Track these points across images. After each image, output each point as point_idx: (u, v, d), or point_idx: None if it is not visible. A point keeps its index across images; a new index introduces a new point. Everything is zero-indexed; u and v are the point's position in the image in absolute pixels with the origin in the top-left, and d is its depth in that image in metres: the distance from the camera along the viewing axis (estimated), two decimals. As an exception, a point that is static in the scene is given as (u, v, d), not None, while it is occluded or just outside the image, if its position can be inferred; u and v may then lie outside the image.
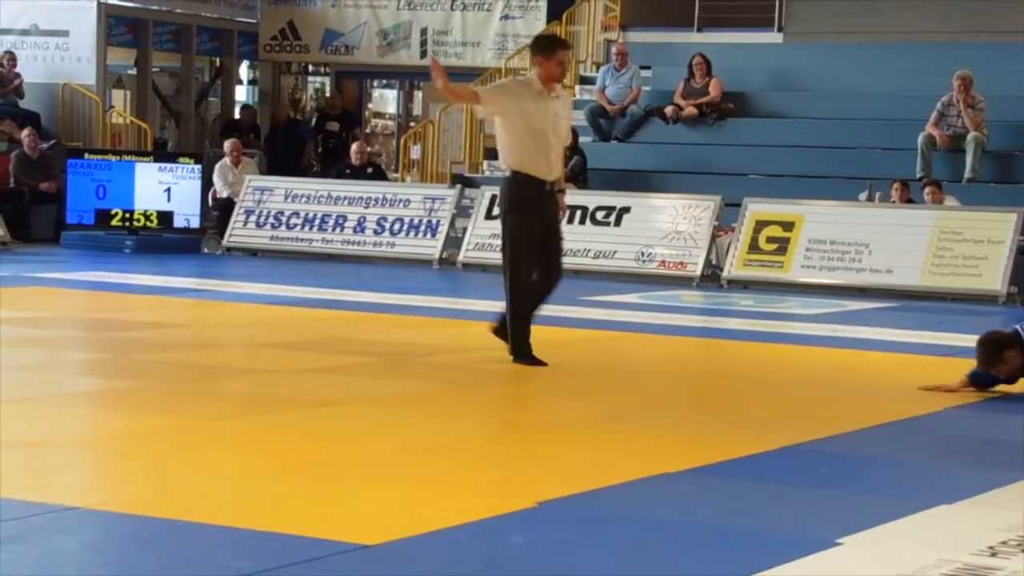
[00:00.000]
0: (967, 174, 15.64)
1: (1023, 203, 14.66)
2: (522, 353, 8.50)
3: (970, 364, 7.97)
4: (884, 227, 14.45)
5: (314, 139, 21.52)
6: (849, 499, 5.38)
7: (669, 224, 15.35)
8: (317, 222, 17.07)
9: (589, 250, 15.60)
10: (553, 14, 20.52)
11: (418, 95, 24.31)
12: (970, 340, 10.31)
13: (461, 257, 16.23)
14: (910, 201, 15.03)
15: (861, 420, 7.04)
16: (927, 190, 14.86)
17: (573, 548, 4.62)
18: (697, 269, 14.98)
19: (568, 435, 6.63)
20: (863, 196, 15.46)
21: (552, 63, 8.56)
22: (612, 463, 5.94)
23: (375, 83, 24.30)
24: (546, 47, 8.68)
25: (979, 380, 7.88)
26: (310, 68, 23.75)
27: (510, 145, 8.57)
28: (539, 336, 8.61)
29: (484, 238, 16.25)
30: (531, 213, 8.49)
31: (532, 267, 8.55)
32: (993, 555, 4.52)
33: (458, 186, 17.34)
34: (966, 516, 5.08)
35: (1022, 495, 5.43)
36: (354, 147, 18.59)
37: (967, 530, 4.84)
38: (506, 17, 21.08)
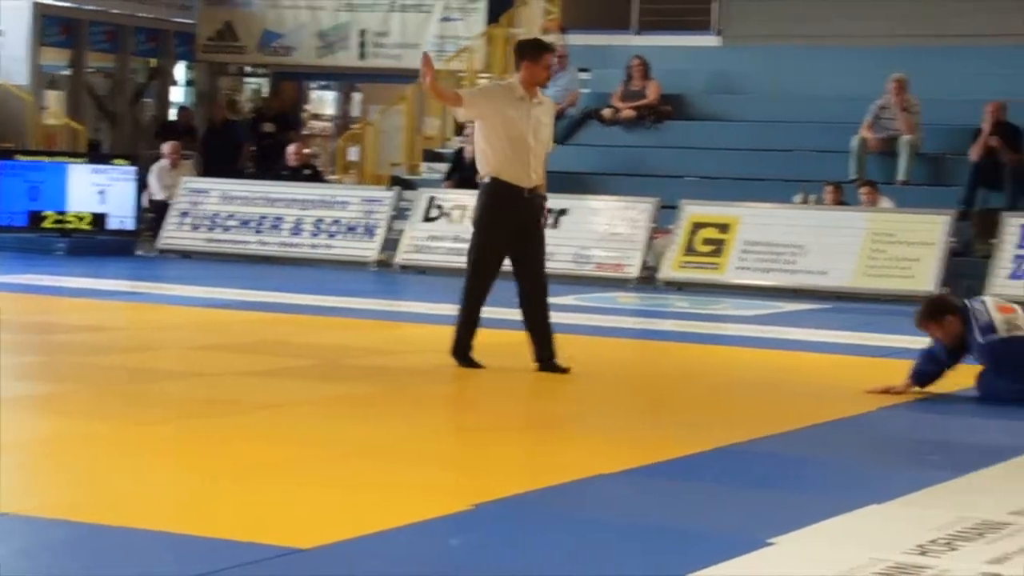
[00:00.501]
0: (900, 177, 15.78)
1: (955, 205, 14.83)
2: (461, 355, 8.49)
3: (906, 365, 8.04)
4: (818, 229, 14.57)
5: (250, 141, 21.42)
6: (782, 499, 5.42)
7: (606, 226, 15.40)
8: (253, 224, 16.99)
9: (527, 252, 15.59)
10: (493, 16, 20.52)
11: (356, 96, 24.26)
12: (902, 341, 10.43)
13: (398, 259, 16.21)
14: (843, 203, 15.15)
15: (795, 421, 7.09)
16: (863, 190, 14.99)
17: (510, 550, 4.62)
18: (634, 271, 15.04)
19: (506, 437, 6.64)
20: (797, 198, 15.58)
21: (539, 67, 8.43)
22: (550, 464, 5.95)
23: (314, 84, 24.22)
24: (533, 50, 8.53)
25: (921, 377, 7.94)
26: (248, 69, 23.63)
27: (489, 150, 8.44)
28: (480, 340, 8.59)
29: (422, 240, 16.25)
30: (503, 221, 8.40)
31: (493, 275, 8.49)
32: (923, 554, 4.57)
33: (396, 188, 17.33)
34: (897, 515, 5.12)
35: (953, 494, 5.49)
36: (291, 149, 18.51)
37: (898, 529, 4.89)
38: (446, 19, 21.06)
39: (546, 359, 8.43)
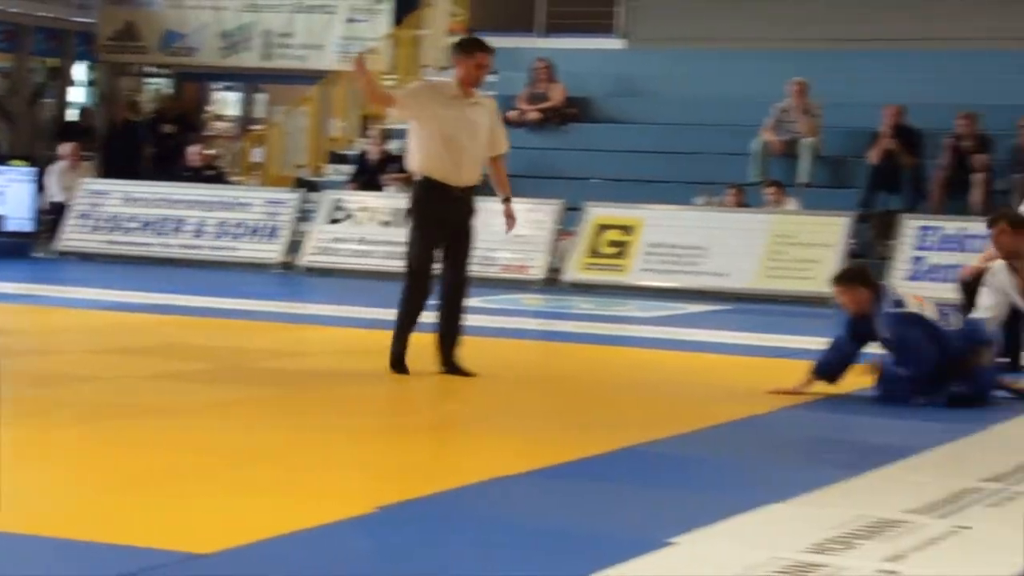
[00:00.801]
0: (801, 179, 15.97)
1: (854, 207, 15.03)
2: (395, 363, 8.41)
3: (805, 365, 8.13)
4: (721, 231, 14.71)
5: (150, 142, 21.19)
6: (683, 499, 5.46)
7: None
8: (155, 226, 16.82)
9: (432, 254, 15.58)
10: (398, 18, 20.47)
11: (261, 98, 24.10)
12: (803, 341, 10.56)
13: (303, 261, 16.12)
14: (745, 206, 15.30)
15: (697, 421, 7.14)
16: (770, 190, 15.14)
17: (412, 553, 4.61)
18: (538, 272, 15.08)
19: (409, 439, 6.63)
20: (700, 200, 15.70)
21: (470, 64, 8.39)
22: (452, 466, 5.95)
23: (217, 85, 24.02)
24: (464, 47, 8.51)
25: (824, 368, 8.02)
26: (150, 70, 23.38)
27: (420, 149, 8.40)
28: (384, 342, 8.57)
29: (326, 242, 16.18)
30: (432, 219, 8.37)
31: (429, 275, 8.44)
32: (821, 552, 4.62)
33: (300, 190, 17.24)
34: (796, 514, 5.18)
35: (850, 493, 5.56)
36: (192, 150, 18.35)
37: (797, 528, 4.94)
38: (350, 20, 20.99)
39: (451, 362, 8.41)
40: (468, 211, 8.50)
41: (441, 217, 8.39)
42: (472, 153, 8.43)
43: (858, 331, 7.97)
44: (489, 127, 8.55)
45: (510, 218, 8.74)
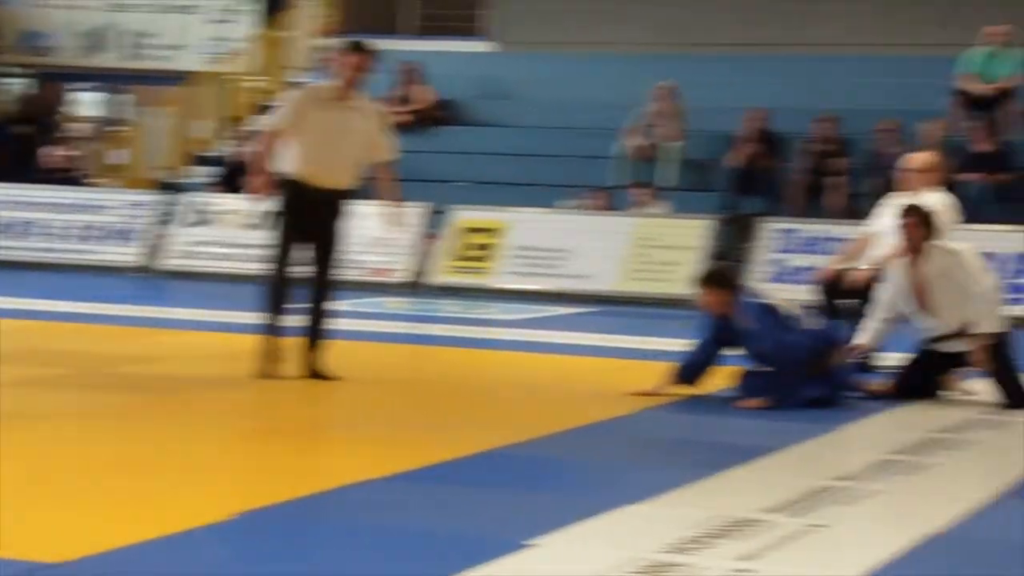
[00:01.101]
0: (666, 182, 16.13)
1: (717, 210, 15.23)
2: (263, 367, 8.34)
3: (668, 367, 8.21)
4: (584, 234, 14.81)
5: (3, 143, 20.69)
6: (542, 501, 5.49)
7: (376, 230, 15.35)
8: (9, 229, 16.48)
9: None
10: (265, 19, 20.31)
11: (123, 98, 23.75)
12: (665, 343, 10.67)
13: (165, 264, 15.93)
14: (609, 209, 15.42)
15: (559, 423, 7.18)
16: (638, 191, 15.25)
17: (275, 558, 4.59)
18: (404, 275, 15.06)
19: (271, 444, 6.58)
20: (572, 204, 15.80)
21: (347, 66, 8.34)
22: (315, 471, 5.92)
23: (79, 85, 23.62)
24: (344, 47, 8.50)
25: (687, 371, 8.11)
26: (8, 69, 22.91)
27: (290, 151, 8.33)
28: (246, 346, 8.50)
29: (188, 245, 16.01)
30: (295, 221, 8.33)
31: (289, 277, 8.40)
32: (680, 551, 4.68)
33: (161, 192, 17.03)
34: (654, 515, 5.23)
35: (707, 493, 5.64)
36: (47, 151, 18.00)
37: (655, 528, 4.99)
38: (215, 21, 20.79)
39: (315, 366, 8.38)
40: (334, 214, 8.46)
41: (305, 219, 8.35)
42: (344, 156, 8.38)
43: (721, 333, 8.08)
44: (368, 131, 8.47)
45: (391, 221, 8.68)
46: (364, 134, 8.44)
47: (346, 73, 8.36)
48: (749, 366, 8.08)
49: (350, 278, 15.20)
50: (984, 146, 14.82)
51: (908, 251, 8.23)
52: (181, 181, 18.30)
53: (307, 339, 8.42)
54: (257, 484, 5.66)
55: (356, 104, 8.41)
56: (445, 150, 17.72)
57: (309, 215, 8.34)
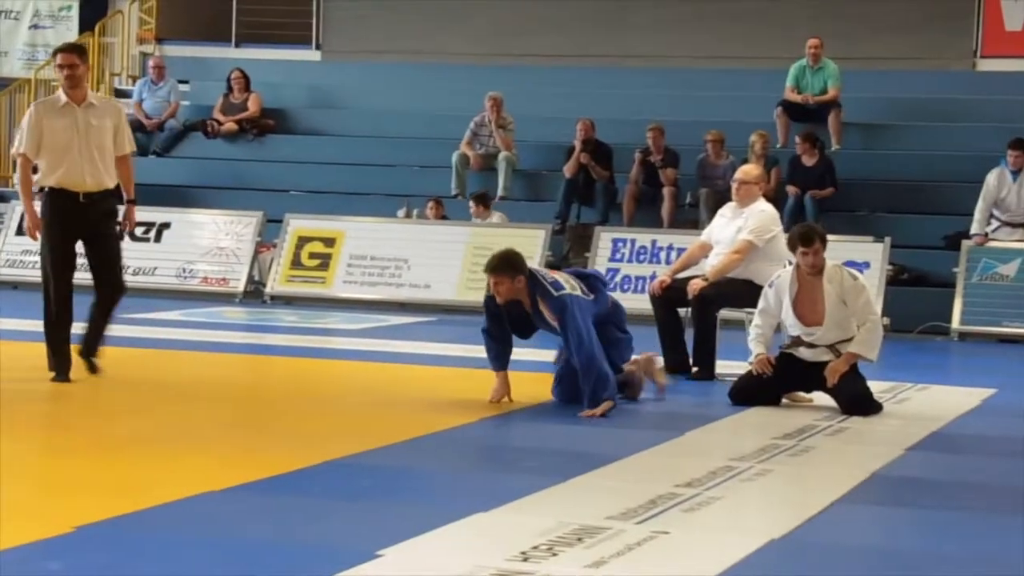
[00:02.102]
0: (499, 192, 16.22)
1: (551, 220, 15.35)
2: (58, 370, 8.30)
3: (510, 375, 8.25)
4: (422, 243, 14.82)
5: None
6: (389, 510, 5.48)
7: (211, 240, 15.21)
8: None
9: (128, 266, 15.18)
10: (85, 25, 19.95)
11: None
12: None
13: (-10, 274, 15.53)
14: (445, 218, 15.45)
15: (402, 432, 7.18)
16: (474, 204, 15.29)
17: (112, 573, 4.51)
18: (240, 285, 14.91)
19: (108, 456, 6.46)
20: (401, 213, 15.79)
21: (57, 68, 8.58)
22: (154, 484, 5.82)
23: None
24: (53, 54, 8.74)
25: (499, 364, 8.19)
26: None
27: (42, 161, 8.49)
28: (78, 357, 8.35)
29: (15, 254, 15.63)
30: (59, 228, 8.40)
31: (63, 282, 8.46)
32: (525, 560, 4.71)
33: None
34: (501, 523, 5.26)
35: (553, 500, 5.68)
36: None
37: (502, 536, 5.02)
38: (35, 27, 20.34)
39: (87, 354, 8.57)
40: (100, 216, 8.56)
41: (68, 225, 8.45)
42: (92, 157, 8.50)
43: (511, 317, 8.08)
44: (105, 128, 8.59)
45: (129, 221, 8.73)
46: (102, 131, 8.57)
47: (61, 76, 8.58)
48: (558, 369, 8.16)
49: (186, 288, 15.15)
50: (807, 158, 15.18)
51: (810, 274, 8.31)
52: (5, 189, 17.86)
53: (90, 327, 8.55)
54: (93, 497, 5.55)
55: (88, 104, 8.55)
56: (276, 159, 17.59)
57: (73, 221, 8.45)
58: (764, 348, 8.44)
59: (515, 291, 8.01)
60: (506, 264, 8.05)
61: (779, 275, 8.51)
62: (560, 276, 8.20)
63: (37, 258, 15.47)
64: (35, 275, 15.28)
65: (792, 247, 8.40)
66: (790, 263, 8.72)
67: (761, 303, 8.54)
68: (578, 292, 8.07)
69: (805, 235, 8.32)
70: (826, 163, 15.27)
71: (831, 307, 8.25)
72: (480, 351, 11.10)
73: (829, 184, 15.15)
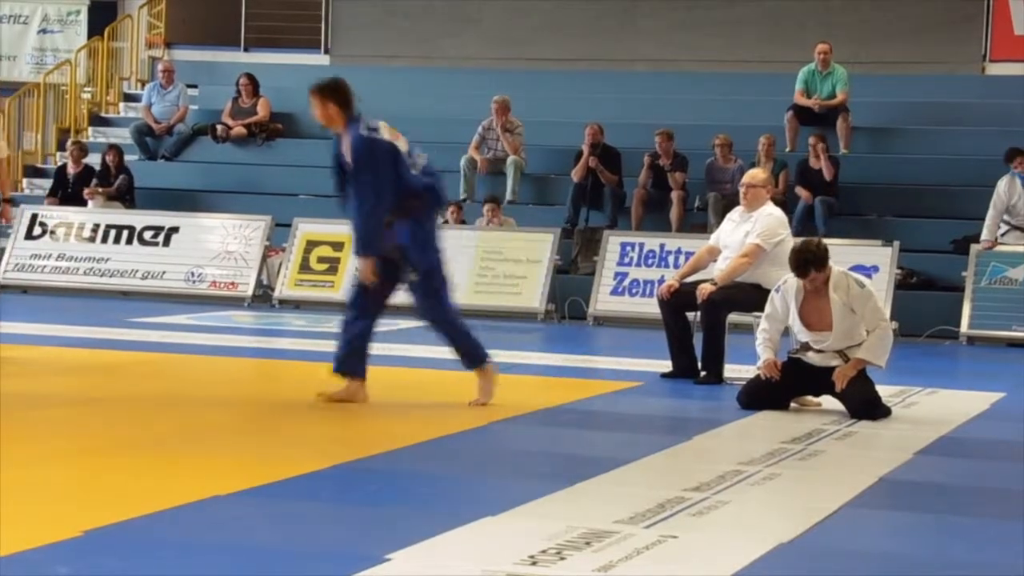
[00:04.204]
0: (508, 196, 16.22)
1: (559, 224, 15.36)
2: None
3: (512, 380, 8.26)
4: (430, 247, 14.80)
5: None
6: (398, 514, 5.48)
7: (219, 244, 15.23)
8: None
9: (137, 271, 15.29)
10: (94, 29, 20.00)
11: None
12: (510, 356, 10.72)
13: (-1, 279, 15.57)
14: (463, 223, 15.46)
15: (410, 436, 7.18)
16: (487, 207, 15.30)
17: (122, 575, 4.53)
18: (248, 289, 14.93)
19: (116, 460, 6.47)
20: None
21: None
22: (164, 488, 5.83)
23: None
24: None
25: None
26: None
27: None
28: (88, 360, 8.35)
29: (24, 259, 15.67)
30: None
31: None
32: (534, 564, 4.71)
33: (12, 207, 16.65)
34: (509, 527, 5.26)
35: (561, 505, 5.68)
36: None
37: (510, 541, 5.02)
38: (44, 31, 20.38)
39: None
40: None
41: None
42: None
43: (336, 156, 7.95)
44: None
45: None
46: None
47: None
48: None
49: (195, 292, 15.16)
50: (816, 162, 15.18)
51: (819, 286, 8.29)
52: (15, 194, 17.88)
53: None
54: (102, 502, 5.56)
55: None
56: (285, 163, 17.60)
57: None
58: (772, 353, 8.43)
59: (330, 118, 7.90)
60: (322, 86, 8.01)
61: (786, 280, 8.49)
62: (388, 130, 8.02)
63: (46, 262, 15.68)
64: (45, 279, 15.40)
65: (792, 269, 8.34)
66: None
67: (768, 308, 8.54)
68: (400, 146, 7.89)
69: (799, 266, 8.20)
70: (834, 166, 15.27)
71: (838, 315, 8.24)
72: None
73: (836, 187, 15.15)
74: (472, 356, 8.14)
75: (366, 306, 8.11)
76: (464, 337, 8.12)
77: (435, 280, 8.04)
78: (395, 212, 7.85)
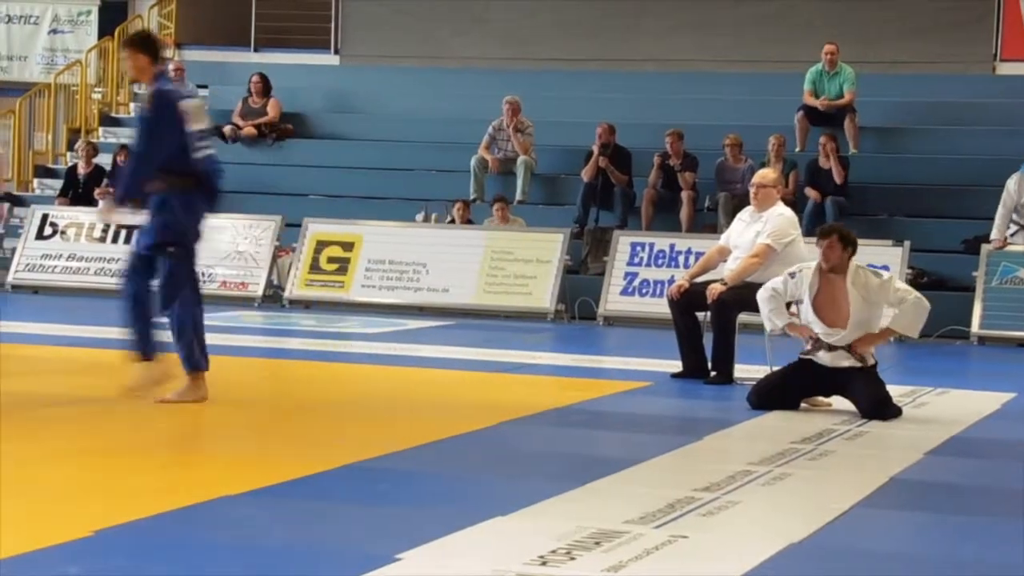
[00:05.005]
0: (518, 196, 16.23)
1: (569, 224, 15.36)
2: None
3: (522, 379, 8.26)
4: (440, 247, 14.84)
5: None
6: (408, 514, 5.48)
7: (230, 244, 15.24)
8: None
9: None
10: (104, 30, 20.03)
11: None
12: (522, 356, 10.75)
13: (10, 279, 15.58)
14: (470, 221, 15.47)
15: (420, 436, 7.18)
16: (496, 207, 15.32)
17: (131, 575, 4.52)
18: (259, 289, 14.95)
19: (126, 460, 6.47)
20: (419, 217, 15.81)
21: None
22: (173, 488, 5.83)
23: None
24: None
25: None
26: None
27: None
28: (98, 360, 8.35)
29: (35, 259, 15.69)
30: None
31: None
32: (544, 564, 4.71)
33: (6, 204, 16.67)
34: (519, 527, 5.26)
35: (571, 505, 5.67)
36: None
37: (520, 541, 5.01)
38: (54, 31, 20.42)
39: None
40: None
41: None
42: None
43: None
44: None
45: None
46: None
47: None
48: None
49: (205, 292, 15.12)
50: (826, 162, 15.17)
51: (828, 271, 8.29)
52: (25, 194, 17.93)
53: None
54: (110, 502, 5.56)
55: None
56: (295, 163, 17.63)
57: None
58: (788, 317, 8.42)
59: (139, 70, 7.79)
60: (133, 38, 7.93)
61: (801, 268, 8.48)
62: (197, 112, 7.92)
63: (57, 262, 15.70)
64: (55, 279, 15.41)
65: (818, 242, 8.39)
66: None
67: (777, 284, 8.48)
68: (194, 125, 7.78)
69: (823, 229, 8.38)
70: (843, 166, 15.26)
71: (856, 309, 8.22)
72: (497, 355, 11.09)
73: (845, 186, 15.15)
74: (144, 346, 7.89)
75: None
76: (145, 325, 7.87)
77: (175, 262, 7.90)
78: (166, 180, 7.74)
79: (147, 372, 7.86)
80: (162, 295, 7.84)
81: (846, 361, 8.30)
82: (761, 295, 8.52)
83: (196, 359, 7.88)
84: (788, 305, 8.52)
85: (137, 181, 7.75)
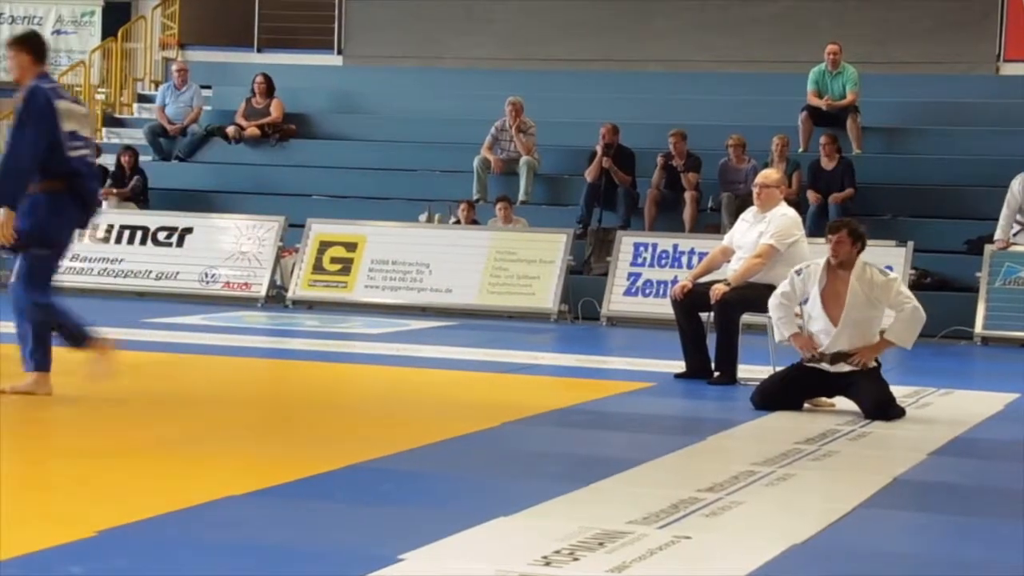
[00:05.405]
0: (521, 196, 16.23)
1: (572, 224, 15.35)
2: None
3: (525, 380, 8.26)
4: (443, 247, 14.84)
5: None
6: (411, 515, 5.48)
7: (233, 245, 15.25)
8: None
9: (151, 271, 15.31)
10: (108, 30, 20.04)
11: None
12: (526, 356, 10.74)
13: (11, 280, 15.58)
14: (475, 221, 15.47)
15: (423, 436, 7.18)
16: (499, 206, 15.32)
17: (135, 575, 4.52)
18: (262, 290, 14.95)
19: (130, 460, 6.48)
20: (423, 217, 15.81)
21: None
22: (176, 488, 5.84)
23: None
24: None
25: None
26: None
27: None
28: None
29: (38, 260, 15.68)
30: None
31: None
32: (547, 564, 4.71)
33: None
34: (523, 527, 5.26)
35: (574, 505, 5.68)
36: None
37: (523, 541, 5.02)
38: (58, 32, 20.43)
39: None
40: None
41: None
42: None
43: None
44: None
45: None
46: None
47: None
48: None
49: (208, 292, 15.18)
50: (829, 162, 15.17)
51: (837, 266, 8.28)
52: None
53: None
54: (113, 502, 5.56)
55: None
56: (298, 163, 17.63)
57: None
58: (795, 327, 8.41)
59: (22, 69, 7.71)
60: (18, 38, 7.85)
61: (808, 264, 8.49)
62: (80, 114, 7.84)
63: (60, 263, 15.64)
64: (59, 280, 15.36)
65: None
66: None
67: (785, 287, 8.49)
68: (72, 124, 7.68)
69: (833, 224, 8.41)
70: (845, 165, 15.25)
71: (852, 306, 8.21)
72: (501, 356, 11.11)
73: (848, 186, 15.13)
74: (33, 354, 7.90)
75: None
76: (67, 318, 7.92)
77: (37, 263, 7.85)
78: (37, 180, 7.62)
79: (99, 361, 7.88)
80: (16, 293, 7.81)
81: (848, 369, 8.29)
82: (772, 302, 8.53)
83: (40, 360, 7.87)
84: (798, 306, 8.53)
85: (15, 185, 7.58)
